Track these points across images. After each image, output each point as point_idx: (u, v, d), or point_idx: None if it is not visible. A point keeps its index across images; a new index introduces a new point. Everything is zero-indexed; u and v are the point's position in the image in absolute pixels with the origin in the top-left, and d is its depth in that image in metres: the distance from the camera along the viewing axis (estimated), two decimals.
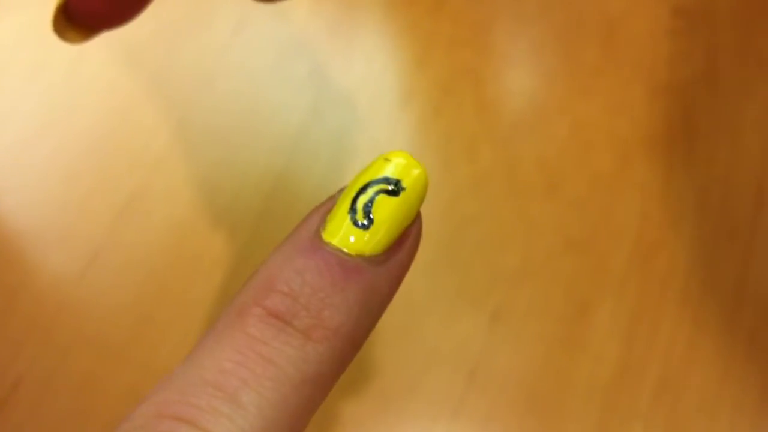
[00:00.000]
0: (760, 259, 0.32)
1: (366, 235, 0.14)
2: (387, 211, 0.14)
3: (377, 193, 0.14)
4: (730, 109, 0.35)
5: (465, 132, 0.35)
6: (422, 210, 0.15)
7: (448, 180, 0.34)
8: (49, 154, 0.34)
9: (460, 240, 0.33)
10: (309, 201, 0.34)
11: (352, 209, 0.14)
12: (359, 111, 0.35)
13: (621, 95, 0.36)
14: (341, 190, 0.15)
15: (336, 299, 0.14)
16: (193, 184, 0.34)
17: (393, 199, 0.14)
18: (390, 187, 0.14)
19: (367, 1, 0.37)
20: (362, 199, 0.14)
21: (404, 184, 0.14)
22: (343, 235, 0.14)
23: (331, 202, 0.15)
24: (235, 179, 0.34)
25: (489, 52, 0.37)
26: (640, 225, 0.33)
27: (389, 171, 0.14)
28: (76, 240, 0.33)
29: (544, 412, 0.30)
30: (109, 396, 0.31)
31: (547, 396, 0.31)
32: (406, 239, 0.15)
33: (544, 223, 0.33)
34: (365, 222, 0.14)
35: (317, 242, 0.14)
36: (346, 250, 0.14)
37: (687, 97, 0.36)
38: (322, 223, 0.14)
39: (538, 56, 0.37)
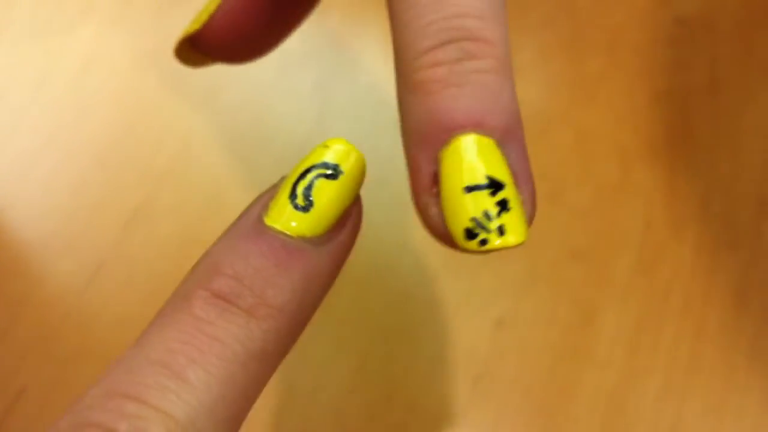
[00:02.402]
0: (763, 267, 0.33)
1: (307, 217, 0.14)
2: (326, 194, 0.15)
3: (317, 177, 0.15)
4: (732, 117, 0.35)
5: None
6: None
7: None
8: (54, 166, 0.34)
9: None
10: None
11: (293, 194, 0.15)
12: (364, 121, 0.35)
13: (624, 104, 0.36)
14: (283, 178, 0.15)
15: (280, 279, 0.14)
16: (199, 195, 0.34)
17: (332, 183, 0.15)
18: (329, 172, 0.15)
19: (372, 11, 0.37)
20: (302, 184, 0.15)
21: (343, 168, 0.15)
22: (285, 219, 0.14)
23: (274, 189, 0.15)
24: (240, 190, 0.34)
25: None
26: (644, 233, 0.33)
27: (328, 156, 0.15)
28: (81, 251, 0.33)
29: (548, 419, 0.30)
30: None
31: (552, 403, 0.31)
32: (347, 220, 0.15)
33: (548, 232, 0.33)
34: (305, 205, 0.14)
35: (260, 227, 0.14)
36: (288, 233, 0.14)
37: (689, 105, 0.36)
38: (265, 209, 0.15)
39: (542, 66, 0.37)
